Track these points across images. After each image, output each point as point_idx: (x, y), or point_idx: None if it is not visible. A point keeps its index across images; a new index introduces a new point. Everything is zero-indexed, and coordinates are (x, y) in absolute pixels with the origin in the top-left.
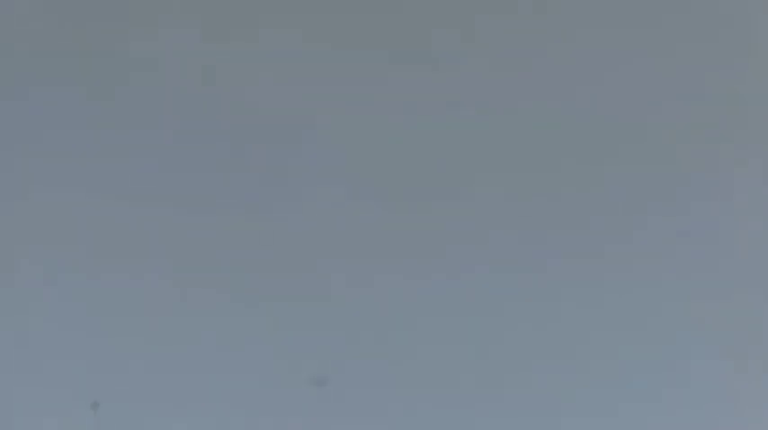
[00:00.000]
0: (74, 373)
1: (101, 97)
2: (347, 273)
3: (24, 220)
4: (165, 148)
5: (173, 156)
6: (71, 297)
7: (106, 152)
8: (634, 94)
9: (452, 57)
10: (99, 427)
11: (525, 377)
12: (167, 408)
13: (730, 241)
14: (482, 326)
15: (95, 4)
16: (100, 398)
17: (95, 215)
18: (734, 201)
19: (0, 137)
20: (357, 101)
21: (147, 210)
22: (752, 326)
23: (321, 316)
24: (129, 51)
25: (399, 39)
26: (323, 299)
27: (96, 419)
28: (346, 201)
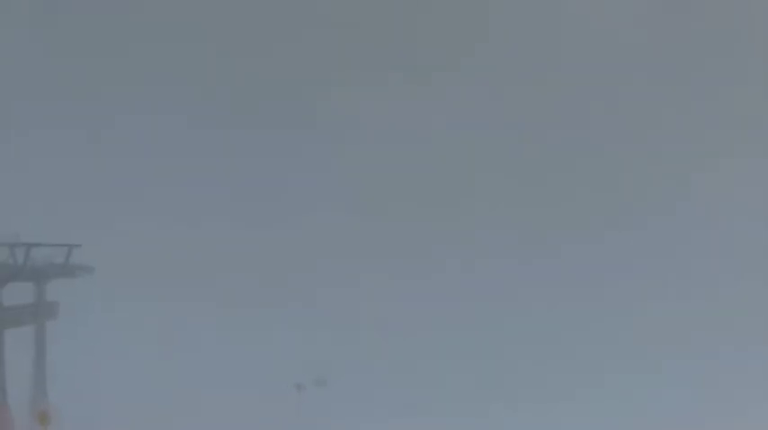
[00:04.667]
0: (281, 362)
1: None
2: (356, 287)
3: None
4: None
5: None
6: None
7: None
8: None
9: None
10: (301, 405)
11: (524, 375)
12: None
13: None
14: (480, 333)
15: None
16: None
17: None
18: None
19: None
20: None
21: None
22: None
23: (328, 325)
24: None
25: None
26: (330, 309)
27: (300, 398)
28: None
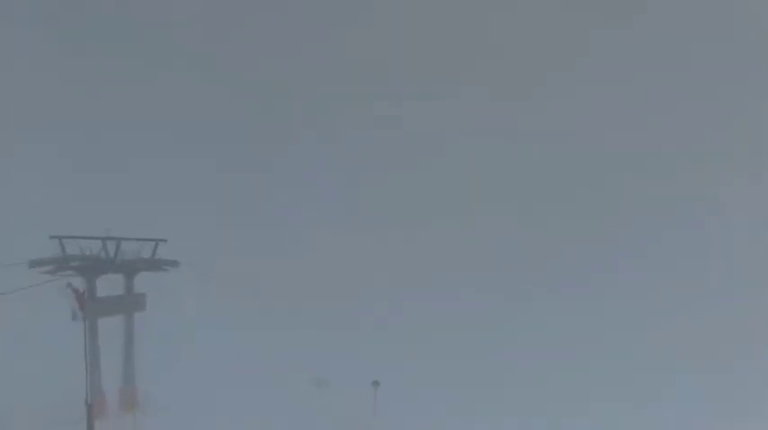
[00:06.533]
0: (359, 361)
1: None
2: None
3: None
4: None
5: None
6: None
7: None
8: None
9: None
10: (378, 399)
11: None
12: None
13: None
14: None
15: None
16: (381, 379)
17: None
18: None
19: None
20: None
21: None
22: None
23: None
24: None
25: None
26: (334, 312)
27: (376, 394)
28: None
